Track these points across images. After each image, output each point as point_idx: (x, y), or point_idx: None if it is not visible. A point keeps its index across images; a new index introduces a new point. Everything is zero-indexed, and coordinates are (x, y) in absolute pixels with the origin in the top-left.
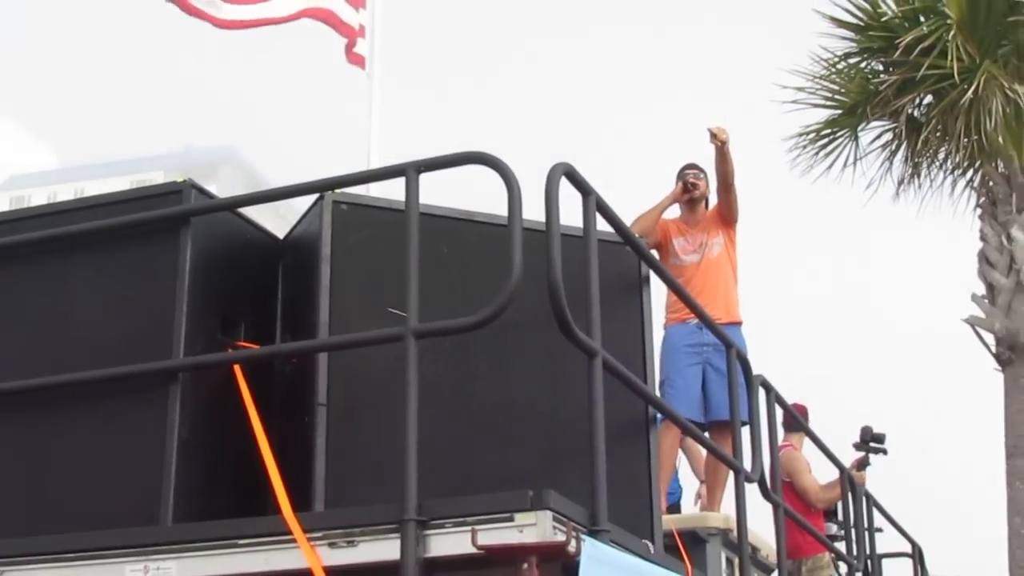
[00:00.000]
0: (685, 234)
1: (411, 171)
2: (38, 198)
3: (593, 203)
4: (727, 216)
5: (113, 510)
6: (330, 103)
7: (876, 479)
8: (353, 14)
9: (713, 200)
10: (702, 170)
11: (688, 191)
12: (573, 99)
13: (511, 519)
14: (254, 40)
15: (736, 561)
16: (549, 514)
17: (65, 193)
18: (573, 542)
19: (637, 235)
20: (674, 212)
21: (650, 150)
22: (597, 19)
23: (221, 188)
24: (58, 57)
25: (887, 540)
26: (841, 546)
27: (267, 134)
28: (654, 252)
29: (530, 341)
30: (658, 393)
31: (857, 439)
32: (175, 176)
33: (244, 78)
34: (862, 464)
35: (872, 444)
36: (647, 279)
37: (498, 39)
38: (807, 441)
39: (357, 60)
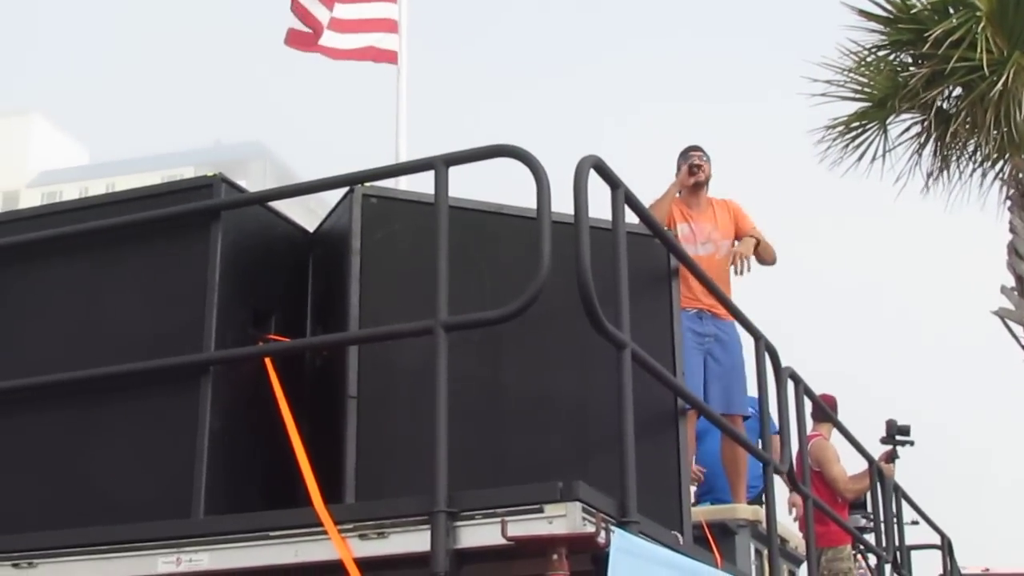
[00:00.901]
0: (689, 220)
1: (440, 165)
2: (70, 193)
3: (622, 196)
4: (745, 232)
5: (146, 503)
6: (359, 97)
7: (903, 471)
8: (323, 11)
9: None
10: (705, 152)
11: (693, 174)
12: (602, 97)
13: (541, 510)
14: (281, 35)
15: (765, 552)
16: (578, 505)
17: (96, 188)
18: (602, 533)
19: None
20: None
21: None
22: (627, 24)
23: (251, 183)
24: (87, 54)
25: (916, 532)
26: (871, 538)
27: (296, 129)
28: None
29: (560, 333)
30: None
31: (884, 433)
32: (205, 171)
33: (272, 73)
34: (891, 457)
35: (898, 437)
36: (675, 271)
37: (529, 37)
38: (835, 432)
39: (385, 56)
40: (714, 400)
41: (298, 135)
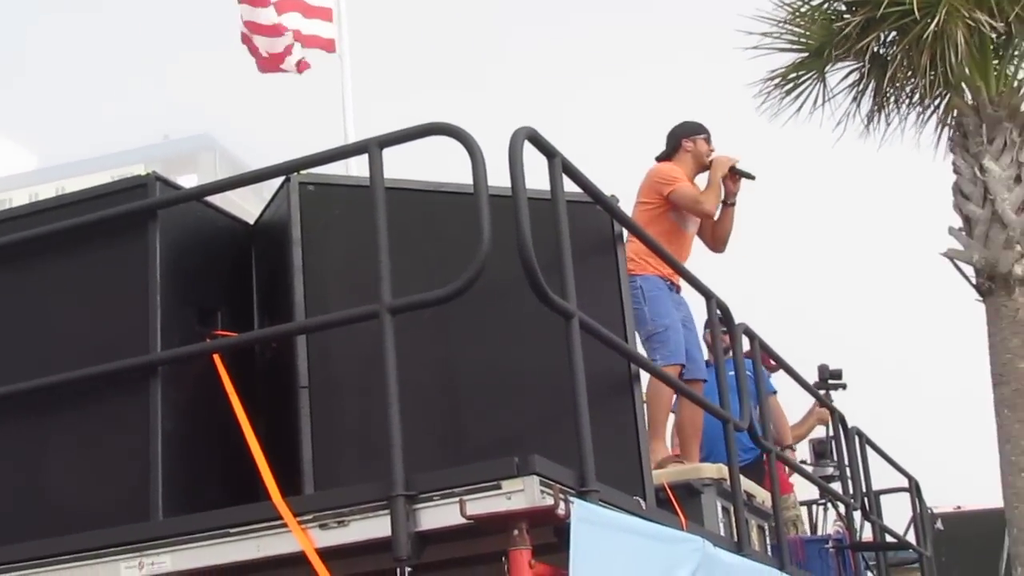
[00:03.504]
0: None
1: (374, 147)
2: (19, 199)
3: (559, 165)
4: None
5: (104, 509)
6: (307, 86)
7: (867, 415)
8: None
9: None
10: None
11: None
12: (542, 76)
13: (499, 487)
14: (224, 29)
15: (732, 509)
16: (536, 479)
17: (46, 192)
18: (562, 505)
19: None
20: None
21: (625, 115)
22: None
23: (202, 176)
24: (25, 56)
25: (884, 476)
26: (837, 487)
27: (245, 121)
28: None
29: (510, 306)
30: (658, 340)
31: (816, 379)
32: (155, 168)
33: (218, 65)
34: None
35: (831, 381)
36: (620, 236)
37: (469, 20)
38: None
39: (326, 45)
40: (696, 366)
41: (247, 127)
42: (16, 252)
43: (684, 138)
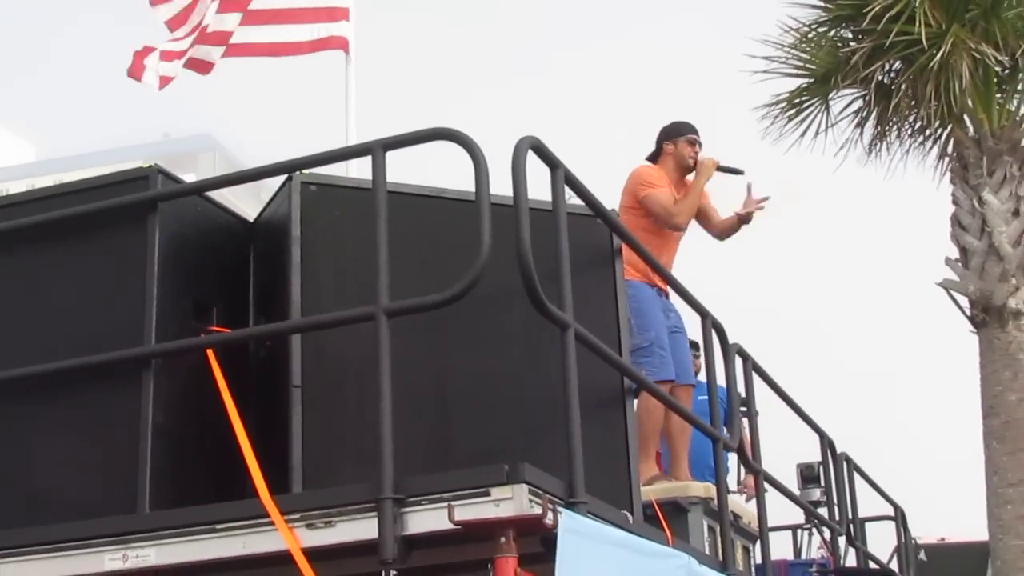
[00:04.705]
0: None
1: (377, 149)
2: (16, 191)
3: (561, 176)
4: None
5: (90, 499)
6: (309, 87)
7: (859, 443)
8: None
9: None
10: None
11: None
12: (552, 90)
13: (487, 494)
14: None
15: (718, 529)
16: (525, 487)
17: (44, 184)
18: (550, 514)
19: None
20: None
21: (633, 131)
22: (577, 19)
23: (201, 175)
24: (28, 49)
25: (870, 504)
26: (824, 511)
27: (246, 121)
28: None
29: (507, 314)
30: (648, 352)
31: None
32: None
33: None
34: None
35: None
36: (619, 250)
37: (478, 23)
38: None
39: (341, 44)
40: (686, 374)
41: (248, 127)
42: (15, 239)
43: (666, 141)
